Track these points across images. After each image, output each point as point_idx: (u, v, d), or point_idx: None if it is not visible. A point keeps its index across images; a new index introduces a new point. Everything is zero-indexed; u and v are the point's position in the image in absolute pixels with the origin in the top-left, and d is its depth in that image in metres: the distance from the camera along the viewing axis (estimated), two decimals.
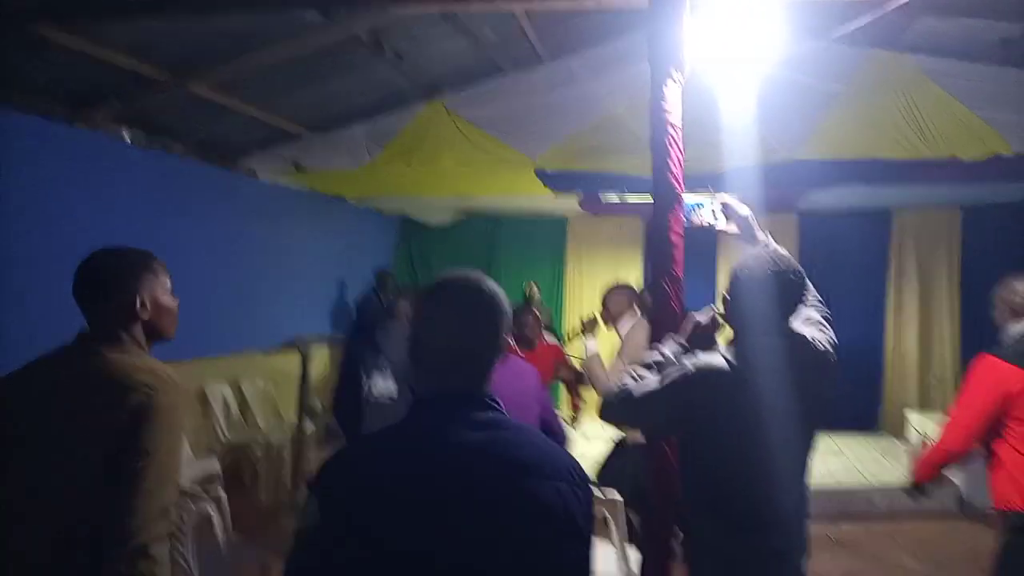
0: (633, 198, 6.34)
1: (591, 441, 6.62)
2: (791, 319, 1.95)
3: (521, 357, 4.42)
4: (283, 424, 6.05)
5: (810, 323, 2.06)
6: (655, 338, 2.30)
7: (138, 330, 1.69)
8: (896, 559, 4.62)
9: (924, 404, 7.34)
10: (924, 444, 5.70)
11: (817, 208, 7.39)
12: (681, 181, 2.39)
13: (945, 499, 5.33)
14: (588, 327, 4.15)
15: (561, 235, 8.83)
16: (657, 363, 2.01)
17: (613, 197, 6.42)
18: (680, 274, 2.40)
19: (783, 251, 2.04)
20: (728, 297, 1.96)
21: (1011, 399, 2.45)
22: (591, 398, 5.53)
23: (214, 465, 4.95)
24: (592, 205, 7.32)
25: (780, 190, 5.94)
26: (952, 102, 4.78)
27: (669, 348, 2.07)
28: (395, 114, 5.60)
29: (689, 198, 2.42)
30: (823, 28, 4.65)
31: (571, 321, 8.08)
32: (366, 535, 1.07)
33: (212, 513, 3.87)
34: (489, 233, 8.87)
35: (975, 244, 7.33)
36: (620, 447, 3.94)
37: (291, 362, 5.42)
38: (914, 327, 7.62)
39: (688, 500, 2.01)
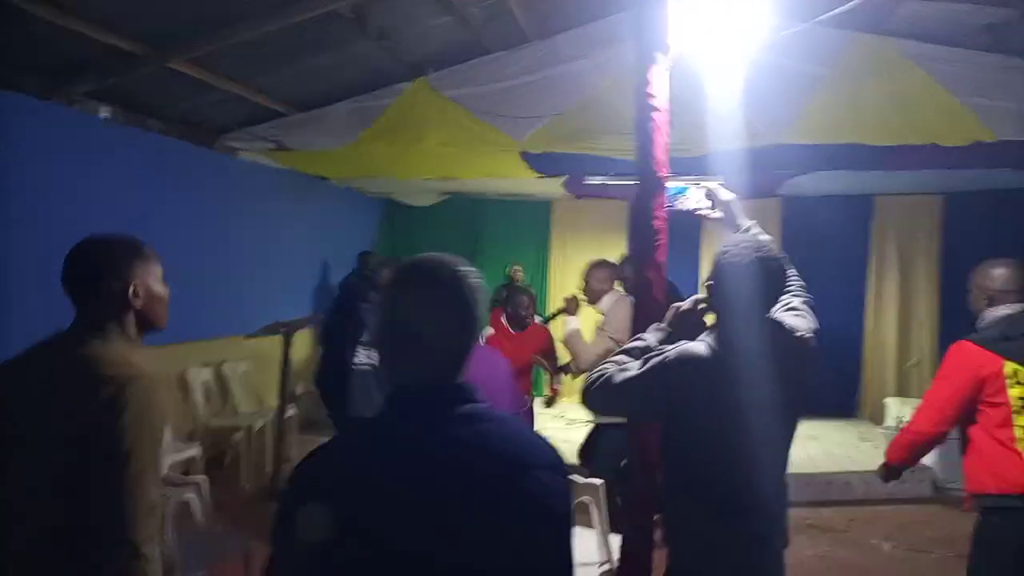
0: (618, 180, 6.32)
1: (574, 425, 6.65)
2: (773, 306, 1.94)
3: (513, 336, 4.54)
4: (264, 409, 6.01)
5: (792, 310, 2.06)
6: (638, 325, 2.30)
7: (129, 319, 1.65)
8: (873, 543, 4.68)
9: (902, 390, 7.42)
10: (900, 428, 5.77)
11: (800, 193, 7.41)
12: (666, 166, 2.37)
13: (921, 484, 5.42)
14: (570, 306, 4.21)
15: (545, 218, 8.85)
16: (639, 349, 2.00)
17: (597, 179, 6.40)
18: (663, 259, 2.39)
19: (766, 237, 2.03)
20: (711, 283, 1.95)
21: (984, 383, 2.47)
22: (570, 386, 5.56)
23: (194, 450, 4.92)
24: (577, 187, 7.30)
25: (764, 174, 5.95)
26: (936, 88, 4.78)
27: (652, 336, 2.07)
28: (379, 93, 5.54)
29: (673, 184, 2.40)
30: (808, 11, 4.62)
31: (555, 304, 8.10)
32: (366, 535, 1.04)
33: (192, 499, 3.84)
34: (473, 215, 8.85)
35: (956, 231, 7.38)
36: (601, 427, 3.98)
37: (273, 346, 5.37)
38: (893, 313, 7.69)
39: (669, 485, 2.01)
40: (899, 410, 6.13)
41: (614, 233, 8.24)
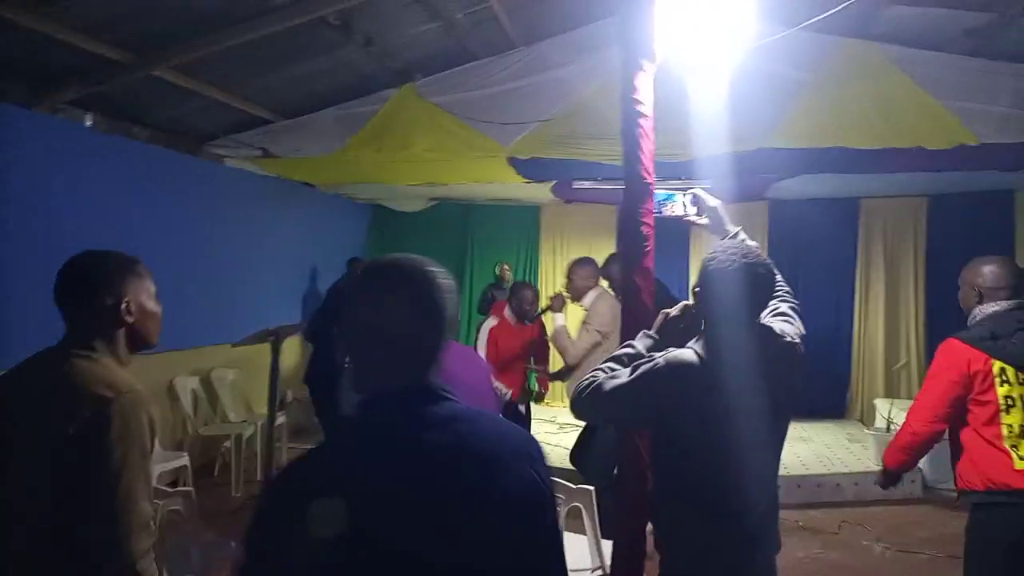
0: (606, 185, 6.35)
1: (565, 430, 6.65)
2: (762, 311, 1.95)
3: (516, 329, 4.66)
4: (254, 416, 5.97)
5: (779, 315, 2.07)
6: (627, 331, 2.30)
7: (120, 336, 1.64)
8: (864, 544, 4.70)
9: (891, 391, 7.46)
10: (889, 429, 5.80)
11: (787, 196, 7.45)
12: (652, 172, 2.37)
13: (911, 485, 5.44)
14: (556, 304, 4.36)
15: (534, 222, 8.86)
16: (628, 357, 2.00)
17: (586, 184, 6.42)
18: (651, 265, 2.39)
19: (753, 243, 2.04)
20: (698, 289, 1.95)
21: (973, 381, 2.49)
22: (561, 389, 5.66)
23: (183, 460, 4.88)
24: (566, 192, 7.31)
25: (751, 178, 5.98)
26: (919, 92, 4.83)
27: (641, 343, 2.07)
28: (366, 99, 5.53)
29: (660, 190, 2.41)
30: (793, 17, 4.66)
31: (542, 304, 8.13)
32: (352, 537, 1.03)
33: (180, 508, 3.81)
34: (462, 220, 8.86)
35: (941, 233, 7.43)
36: (593, 428, 4.02)
37: (261, 353, 5.32)
38: (880, 315, 7.73)
39: (660, 491, 2.01)
40: (888, 410, 6.17)
41: (603, 237, 8.26)
